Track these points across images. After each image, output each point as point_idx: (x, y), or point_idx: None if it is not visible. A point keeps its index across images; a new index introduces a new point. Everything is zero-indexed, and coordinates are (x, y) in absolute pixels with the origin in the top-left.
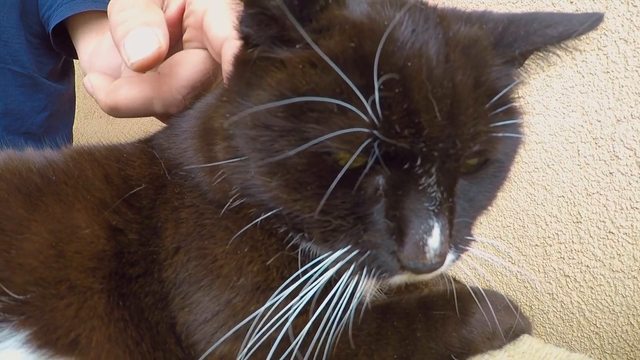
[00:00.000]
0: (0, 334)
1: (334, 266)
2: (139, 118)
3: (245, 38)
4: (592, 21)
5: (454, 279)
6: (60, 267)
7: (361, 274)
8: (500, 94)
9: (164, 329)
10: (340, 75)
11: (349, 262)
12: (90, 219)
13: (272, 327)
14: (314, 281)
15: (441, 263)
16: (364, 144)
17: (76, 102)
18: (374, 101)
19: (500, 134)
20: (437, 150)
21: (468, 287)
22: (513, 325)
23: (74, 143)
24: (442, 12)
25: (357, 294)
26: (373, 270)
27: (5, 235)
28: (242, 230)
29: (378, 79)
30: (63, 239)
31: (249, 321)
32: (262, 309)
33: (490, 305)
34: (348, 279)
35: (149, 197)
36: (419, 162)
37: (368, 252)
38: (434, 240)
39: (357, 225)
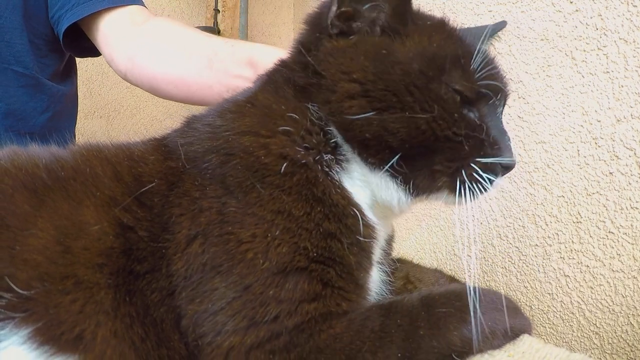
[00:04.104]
0: (2, 332)
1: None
2: (139, 118)
3: (342, 32)
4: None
5: (454, 279)
6: (67, 263)
7: (478, 181)
8: None
9: (168, 326)
10: (464, 47)
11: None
12: (100, 216)
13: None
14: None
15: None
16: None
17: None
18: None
19: None
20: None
21: (468, 286)
22: (513, 324)
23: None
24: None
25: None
26: (485, 175)
27: (10, 231)
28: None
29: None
30: (70, 235)
31: (265, 309)
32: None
33: (490, 305)
34: (473, 185)
35: (161, 193)
36: (499, 96)
37: (482, 161)
38: (512, 145)
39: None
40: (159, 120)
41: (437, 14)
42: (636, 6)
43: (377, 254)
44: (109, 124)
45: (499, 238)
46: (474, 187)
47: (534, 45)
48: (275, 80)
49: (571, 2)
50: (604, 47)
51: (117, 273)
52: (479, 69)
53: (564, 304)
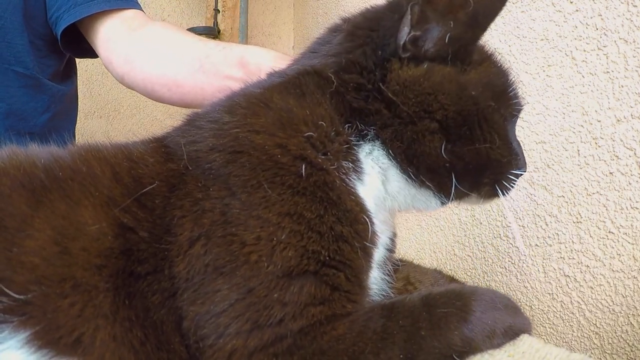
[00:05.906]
0: (0, 335)
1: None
2: (139, 118)
3: (414, 56)
4: None
5: (454, 279)
6: (65, 265)
7: (511, 186)
8: None
9: (169, 328)
10: (508, 74)
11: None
12: (98, 216)
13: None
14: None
15: None
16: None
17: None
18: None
19: None
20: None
21: (467, 286)
22: (512, 324)
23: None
24: None
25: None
26: (515, 181)
27: (7, 233)
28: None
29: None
30: (68, 236)
31: (269, 312)
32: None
33: (489, 304)
34: (506, 189)
35: (162, 195)
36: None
37: (515, 172)
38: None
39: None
40: (159, 120)
41: None
42: (636, 6)
43: (377, 256)
44: (109, 124)
45: (499, 238)
46: (506, 191)
47: (534, 45)
48: (303, 85)
49: (571, 2)
50: (604, 47)
51: (117, 275)
52: (514, 93)
53: (564, 304)
